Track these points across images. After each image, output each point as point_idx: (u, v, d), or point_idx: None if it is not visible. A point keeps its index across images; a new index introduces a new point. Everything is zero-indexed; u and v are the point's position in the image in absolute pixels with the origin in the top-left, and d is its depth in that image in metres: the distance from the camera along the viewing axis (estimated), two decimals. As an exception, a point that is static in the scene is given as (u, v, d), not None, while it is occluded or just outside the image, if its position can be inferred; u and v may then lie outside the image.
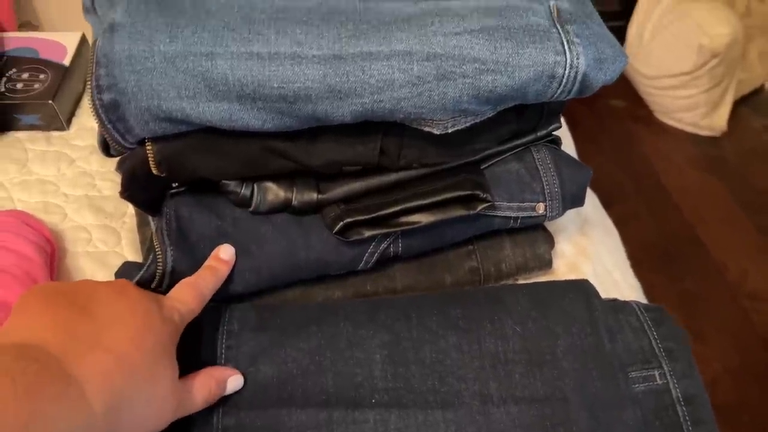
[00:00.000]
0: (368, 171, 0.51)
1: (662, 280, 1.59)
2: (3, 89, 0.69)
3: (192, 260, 0.49)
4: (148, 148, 0.47)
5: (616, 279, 0.61)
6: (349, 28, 0.44)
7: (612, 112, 2.01)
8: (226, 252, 0.49)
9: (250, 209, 0.51)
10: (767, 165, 1.90)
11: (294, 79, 0.43)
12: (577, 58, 0.45)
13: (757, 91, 2.08)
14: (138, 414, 0.37)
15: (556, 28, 0.46)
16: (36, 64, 0.72)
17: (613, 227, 0.72)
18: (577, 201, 0.56)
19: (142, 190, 0.50)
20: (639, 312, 0.49)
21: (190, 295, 0.45)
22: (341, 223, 0.49)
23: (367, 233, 0.50)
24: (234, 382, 0.45)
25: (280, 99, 0.43)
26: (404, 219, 0.51)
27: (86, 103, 0.73)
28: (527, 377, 0.44)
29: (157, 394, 0.39)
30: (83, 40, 0.76)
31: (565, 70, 0.45)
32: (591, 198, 0.71)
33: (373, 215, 0.50)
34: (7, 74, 0.71)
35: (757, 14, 1.97)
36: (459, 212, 0.51)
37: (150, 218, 0.55)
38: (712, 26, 1.79)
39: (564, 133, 0.76)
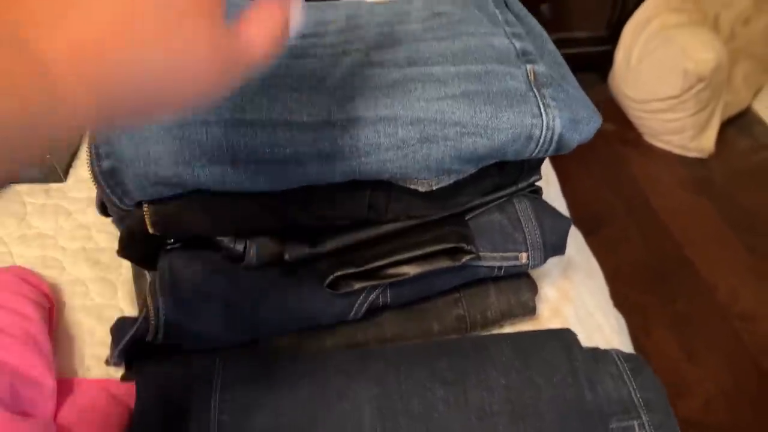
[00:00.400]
0: (357, 224, 0.53)
1: (654, 301, 1.61)
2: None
3: (186, 312, 0.51)
4: (145, 209, 0.49)
5: (598, 321, 0.63)
6: (338, 96, 0.46)
7: (601, 135, 2.01)
8: None
9: (243, 263, 0.53)
10: (754, 185, 1.93)
11: (286, 144, 0.45)
12: (553, 120, 0.47)
13: (743, 113, 2.12)
14: (158, 66, 0.26)
15: (533, 92, 0.48)
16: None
17: (597, 266, 0.73)
18: (558, 250, 0.58)
19: (138, 247, 0.52)
20: (618, 361, 0.51)
21: None
22: (332, 276, 0.51)
23: (357, 285, 0.52)
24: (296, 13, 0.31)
25: (272, 163, 0.45)
26: (392, 271, 0.53)
27: (83, 154, 0.75)
28: (511, 429, 0.46)
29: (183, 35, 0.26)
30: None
31: (541, 131, 0.47)
32: (574, 237, 0.73)
33: (363, 268, 0.52)
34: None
35: (741, 37, 2.00)
36: (445, 263, 0.53)
37: (146, 271, 0.57)
38: (697, 51, 1.82)
39: (545, 167, 0.79)
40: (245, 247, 0.52)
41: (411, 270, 0.53)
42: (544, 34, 0.55)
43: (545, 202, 0.58)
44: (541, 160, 0.55)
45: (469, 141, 0.47)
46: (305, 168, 0.46)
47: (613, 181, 1.90)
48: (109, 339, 0.58)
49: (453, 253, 0.53)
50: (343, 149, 0.46)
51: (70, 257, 0.64)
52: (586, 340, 0.55)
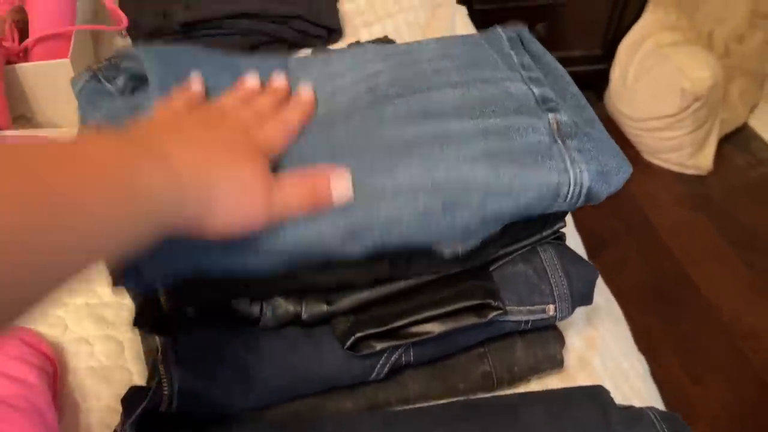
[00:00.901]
0: (377, 280, 0.51)
1: (657, 323, 1.59)
2: None
3: (201, 379, 0.48)
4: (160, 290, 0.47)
5: (624, 368, 0.61)
6: (355, 166, 0.44)
7: (598, 153, 2.02)
8: (306, 90, 0.50)
9: (260, 325, 0.50)
10: (753, 202, 1.92)
11: (311, 239, 0.43)
12: (581, 174, 0.45)
13: (740, 130, 2.11)
14: (227, 202, 0.38)
15: (558, 145, 0.46)
16: (31, 163, 0.72)
17: (617, 306, 0.71)
18: (586, 299, 0.56)
19: (152, 317, 0.49)
20: (656, 421, 0.48)
21: (278, 129, 0.46)
22: (353, 338, 0.49)
23: (379, 346, 0.50)
24: (340, 181, 0.43)
25: (294, 253, 0.44)
26: (416, 329, 0.50)
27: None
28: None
29: (245, 183, 0.39)
30: (78, 135, 0.76)
31: (569, 187, 0.45)
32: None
33: (385, 328, 0.49)
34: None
35: (735, 55, 2.00)
36: (471, 320, 0.50)
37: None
38: (693, 70, 1.82)
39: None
40: (261, 309, 0.49)
41: (435, 328, 0.50)
42: (566, 75, 0.53)
43: (570, 249, 0.56)
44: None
45: (494, 204, 0.44)
46: (326, 249, 0.44)
47: (613, 201, 1.87)
48: (116, 403, 0.55)
49: (479, 309, 0.51)
50: (364, 226, 0.44)
51: (72, 314, 0.61)
52: (613, 389, 0.53)
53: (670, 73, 1.86)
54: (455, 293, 0.50)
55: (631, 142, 2.04)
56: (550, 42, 1.91)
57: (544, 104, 0.50)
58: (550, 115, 0.48)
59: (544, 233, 0.54)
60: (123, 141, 0.35)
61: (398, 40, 0.91)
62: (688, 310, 1.63)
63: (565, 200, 0.46)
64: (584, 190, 0.46)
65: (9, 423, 0.48)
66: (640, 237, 1.80)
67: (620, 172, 0.48)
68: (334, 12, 0.95)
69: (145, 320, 0.48)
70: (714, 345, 1.56)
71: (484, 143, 0.45)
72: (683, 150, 1.95)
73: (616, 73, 2.04)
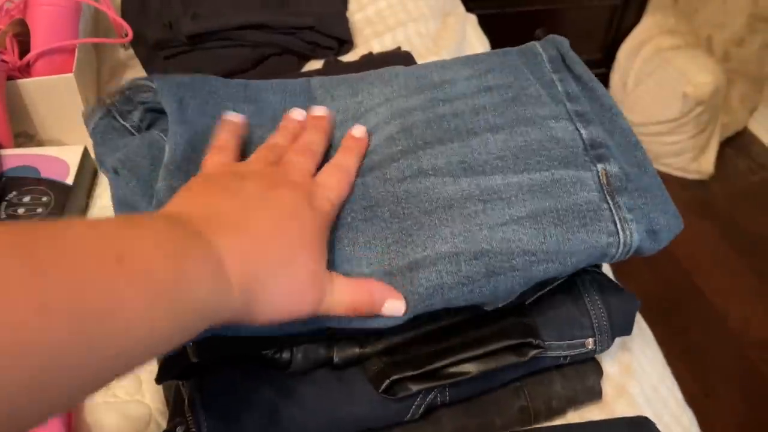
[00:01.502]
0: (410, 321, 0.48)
1: (666, 333, 1.56)
2: (3, 216, 0.65)
3: (229, 424, 0.46)
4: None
5: (663, 396, 0.59)
6: (395, 230, 0.42)
7: (599, 158, 2.01)
8: (359, 130, 0.49)
9: (290, 370, 0.47)
10: (756, 207, 1.91)
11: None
12: (630, 236, 0.44)
13: (741, 134, 2.11)
14: (274, 298, 0.37)
15: (607, 203, 0.44)
16: (37, 185, 0.69)
17: (646, 326, 0.69)
18: (626, 330, 0.53)
19: (177, 369, 0.47)
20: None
21: (337, 178, 0.45)
22: (388, 381, 0.47)
23: (415, 388, 0.47)
24: (394, 305, 0.42)
25: (331, 323, 0.43)
26: (452, 370, 0.48)
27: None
28: None
29: (296, 280, 0.38)
30: (85, 154, 0.73)
31: (617, 249, 0.43)
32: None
33: (422, 370, 0.47)
34: (7, 198, 0.67)
35: (735, 59, 2.00)
36: (510, 360, 0.48)
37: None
38: (695, 75, 1.81)
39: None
40: (291, 353, 0.47)
41: (473, 368, 0.48)
42: (613, 104, 0.51)
43: (609, 279, 0.54)
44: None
45: (539, 269, 0.43)
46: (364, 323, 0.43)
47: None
48: (135, 441, 0.53)
49: (518, 347, 0.48)
50: (405, 297, 0.42)
51: (86, 347, 0.58)
52: (655, 418, 0.51)
53: (672, 78, 1.85)
54: (493, 332, 0.48)
55: (633, 147, 2.03)
56: (550, 47, 1.91)
57: (593, 150, 0.47)
58: (599, 166, 0.46)
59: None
60: (170, 235, 0.33)
61: (410, 51, 0.88)
62: (696, 320, 1.62)
63: (612, 259, 0.44)
64: (633, 250, 0.44)
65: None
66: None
67: (670, 228, 0.46)
68: (344, 23, 0.93)
69: (169, 374, 0.45)
70: (724, 355, 1.55)
71: (529, 202, 0.43)
72: (685, 154, 1.94)
73: (616, 78, 2.03)
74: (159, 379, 0.45)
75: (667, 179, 1.86)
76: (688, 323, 1.60)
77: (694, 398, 1.47)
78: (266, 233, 0.38)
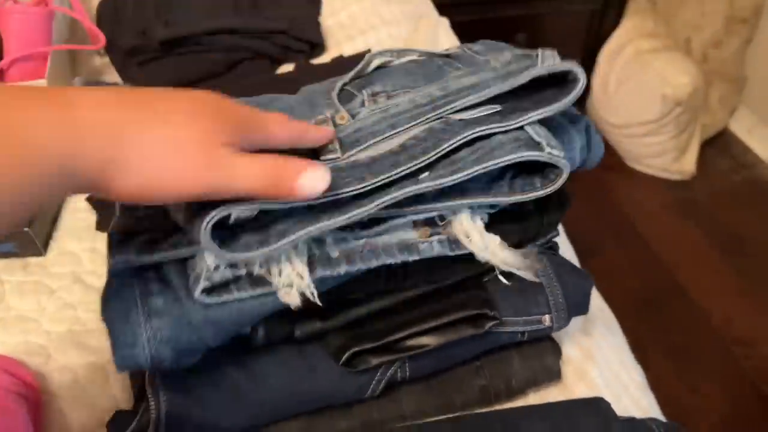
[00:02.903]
0: (371, 295, 0.49)
1: (649, 332, 1.58)
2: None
3: (190, 402, 0.47)
4: None
5: (623, 380, 0.60)
6: None
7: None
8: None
9: (251, 344, 0.48)
10: (738, 206, 1.93)
11: None
12: None
13: (721, 134, 2.13)
14: (145, 162, 0.34)
15: None
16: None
17: (611, 313, 0.71)
18: (582, 308, 0.55)
19: None
20: None
21: (283, 121, 0.40)
22: (348, 353, 0.48)
23: (375, 361, 0.48)
24: (314, 175, 0.37)
25: None
26: (411, 342, 0.49)
27: (64, 224, 0.71)
28: None
29: (176, 140, 0.34)
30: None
31: None
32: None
33: (381, 342, 0.48)
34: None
35: (713, 60, 2.02)
36: (468, 332, 0.49)
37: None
38: (674, 76, 1.83)
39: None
40: (253, 329, 0.48)
41: (432, 341, 0.49)
42: None
43: (564, 259, 0.55)
44: (561, 216, 0.52)
45: None
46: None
47: (599, 209, 1.88)
48: (103, 431, 0.53)
49: (475, 320, 0.49)
50: None
51: (55, 342, 0.59)
52: (614, 401, 0.52)
53: (651, 80, 1.87)
54: (451, 304, 0.49)
55: (614, 149, 2.05)
56: (530, 52, 1.93)
57: None
58: None
59: (538, 242, 0.53)
60: (27, 93, 0.32)
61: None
62: (679, 318, 1.62)
63: None
64: None
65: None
66: (627, 244, 1.80)
67: None
68: (316, 26, 0.94)
69: None
70: (707, 353, 1.56)
71: None
72: (667, 155, 1.96)
73: (597, 81, 2.05)
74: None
75: (649, 180, 1.87)
76: (671, 322, 1.61)
77: (676, 393, 1.48)
78: (145, 104, 0.35)
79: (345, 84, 0.52)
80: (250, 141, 0.38)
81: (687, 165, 1.98)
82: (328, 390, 0.49)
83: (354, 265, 0.44)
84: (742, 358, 1.54)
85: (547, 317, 0.52)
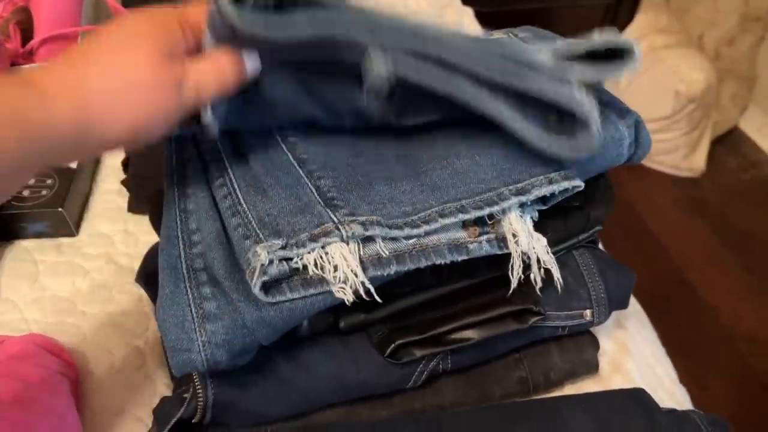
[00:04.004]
0: (415, 288, 0.49)
1: (658, 328, 1.58)
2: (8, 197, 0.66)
3: (237, 390, 0.47)
4: None
5: (658, 374, 0.60)
6: None
7: (593, 156, 2.03)
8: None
9: (297, 334, 0.48)
10: (748, 204, 1.93)
11: None
12: None
13: (731, 132, 2.13)
14: (112, 98, 0.36)
15: None
16: (41, 167, 0.69)
17: (641, 309, 0.71)
18: (622, 304, 0.55)
19: None
20: (702, 425, 0.48)
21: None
22: (393, 345, 0.48)
23: (419, 353, 0.48)
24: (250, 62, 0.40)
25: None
26: (455, 336, 0.49)
27: (94, 206, 0.71)
28: None
29: (129, 71, 0.37)
30: (88, 138, 0.74)
31: None
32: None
33: (426, 335, 0.48)
34: (11, 180, 0.68)
35: (725, 58, 2.02)
36: (512, 327, 0.49)
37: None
38: (688, 73, 1.83)
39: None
40: (298, 317, 0.48)
41: (475, 335, 0.49)
42: None
43: (606, 254, 0.55)
44: (607, 211, 0.52)
45: None
46: None
47: (609, 204, 1.88)
48: (139, 411, 0.54)
49: (519, 315, 0.49)
50: None
51: (91, 322, 0.59)
52: (650, 392, 0.52)
53: (665, 75, 1.87)
54: (495, 299, 0.49)
55: (625, 145, 2.05)
56: (544, 45, 1.93)
57: None
58: None
59: (581, 237, 0.53)
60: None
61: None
62: (688, 314, 1.63)
63: None
64: None
65: (28, 427, 0.46)
66: (637, 241, 1.80)
67: None
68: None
69: None
70: (715, 349, 1.56)
71: None
72: (677, 152, 1.96)
73: (609, 76, 2.05)
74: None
75: (659, 176, 1.86)
76: (680, 318, 1.62)
77: (690, 392, 1.49)
78: (87, 47, 0.38)
79: None
80: (186, 38, 0.40)
81: (697, 162, 1.98)
82: (371, 380, 0.49)
83: (404, 265, 0.43)
84: (750, 355, 1.55)
85: (588, 312, 0.53)
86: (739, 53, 2.03)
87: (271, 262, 0.41)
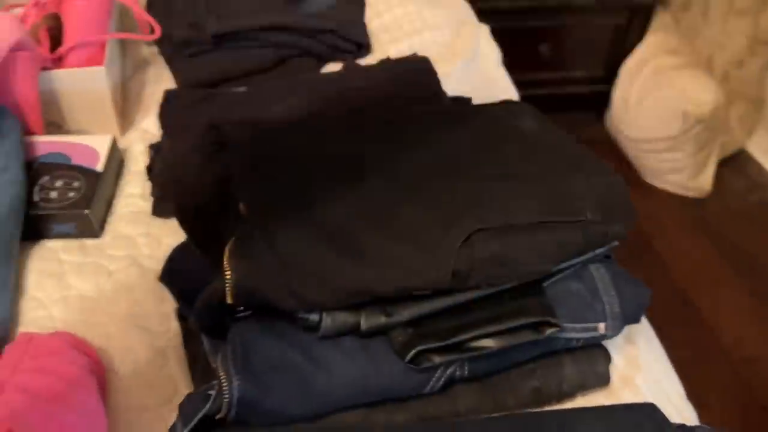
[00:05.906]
0: (436, 293, 0.51)
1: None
2: (37, 198, 0.68)
3: (261, 388, 0.48)
4: (227, 278, 0.47)
5: (666, 389, 0.62)
6: None
7: (600, 174, 2.04)
8: None
9: (319, 334, 0.50)
10: (753, 226, 1.94)
11: None
12: None
13: (737, 154, 2.14)
14: None
15: None
16: (68, 170, 0.71)
17: (649, 325, 0.72)
18: (635, 319, 0.56)
19: (211, 316, 0.50)
20: (712, 440, 0.49)
21: None
22: (414, 351, 0.49)
23: (438, 360, 0.50)
24: None
25: None
26: (474, 344, 0.51)
27: (118, 209, 0.72)
28: None
29: None
30: (114, 144, 0.75)
31: None
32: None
33: (447, 342, 0.49)
34: (39, 182, 0.70)
35: (734, 79, 2.04)
36: (529, 337, 0.51)
37: (203, 337, 0.54)
38: (696, 94, 1.85)
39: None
40: (320, 318, 0.49)
41: (493, 344, 0.50)
42: None
43: (621, 269, 0.57)
44: (627, 227, 0.54)
45: None
46: None
47: (615, 222, 1.89)
48: (163, 411, 0.55)
49: (536, 325, 0.51)
50: None
51: (115, 322, 0.60)
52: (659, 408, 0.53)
53: (673, 96, 1.89)
54: (513, 310, 0.51)
55: (632, 164, 2.07)
56: (552, 62, 1.95)
57: None
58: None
59: (597, 251, 0.54)
60: None
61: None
62: (690, 335, 1.64)
63: None
64: None
65: (63, 422, 0.47)
66: (642, 260, 1.81)
67: None
68: (362, 28, 0.96)
69: (204, 319, 0.48)
70: (717, 370, 1.57)
71: None
72: (684, 172, 1.97)
73: (617, 95, 2.07)
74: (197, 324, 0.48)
75: (665, 196, 1.87)
76: (682, 338, 1.62)
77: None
78: None
79: None
80: None
81: (703, 183, 2.00)
82: (390, 384, 0.51)
83: None
84: (752, 377, 1.55)
85: (602, 325, 0.54)
86: (748, 76, 2.05)
87: None
